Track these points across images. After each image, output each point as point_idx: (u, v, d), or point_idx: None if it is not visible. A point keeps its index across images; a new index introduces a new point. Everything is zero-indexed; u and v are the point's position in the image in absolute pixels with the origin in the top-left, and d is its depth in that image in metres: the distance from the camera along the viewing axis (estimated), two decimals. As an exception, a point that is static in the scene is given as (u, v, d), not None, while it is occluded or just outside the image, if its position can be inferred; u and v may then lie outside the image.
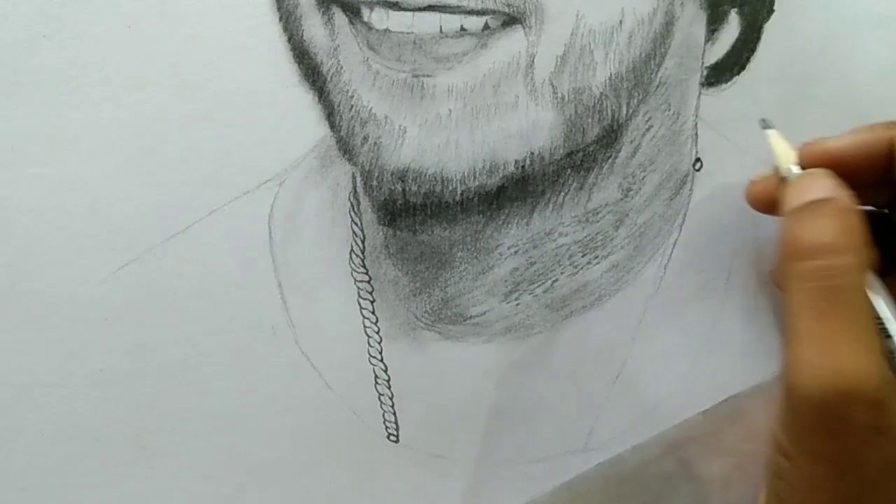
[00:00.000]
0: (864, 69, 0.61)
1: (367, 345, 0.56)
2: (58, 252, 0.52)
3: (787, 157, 0.55)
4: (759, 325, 0.61)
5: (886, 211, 0.56)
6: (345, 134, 0.54)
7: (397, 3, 0.52)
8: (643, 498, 0.61)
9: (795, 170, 0.55)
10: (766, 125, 0.57)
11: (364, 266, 0.56)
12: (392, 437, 0.57)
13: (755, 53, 0.59)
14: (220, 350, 0.54)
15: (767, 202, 0.56)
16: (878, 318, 0.50)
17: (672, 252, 0.60)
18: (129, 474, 0.54)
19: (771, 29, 0.59)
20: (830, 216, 0.50)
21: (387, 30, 0.53)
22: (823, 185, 0.52)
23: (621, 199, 0.58)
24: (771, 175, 0.56)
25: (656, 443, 0.60)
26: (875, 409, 0.46)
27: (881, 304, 0.51)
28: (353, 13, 0.53)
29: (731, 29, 0.59)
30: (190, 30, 0.52)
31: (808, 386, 0.47)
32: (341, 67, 0.54)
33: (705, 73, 0.59)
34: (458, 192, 0.55)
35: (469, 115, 0.54)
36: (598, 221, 0.58)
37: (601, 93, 0.55)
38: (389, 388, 0.57)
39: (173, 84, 0.52)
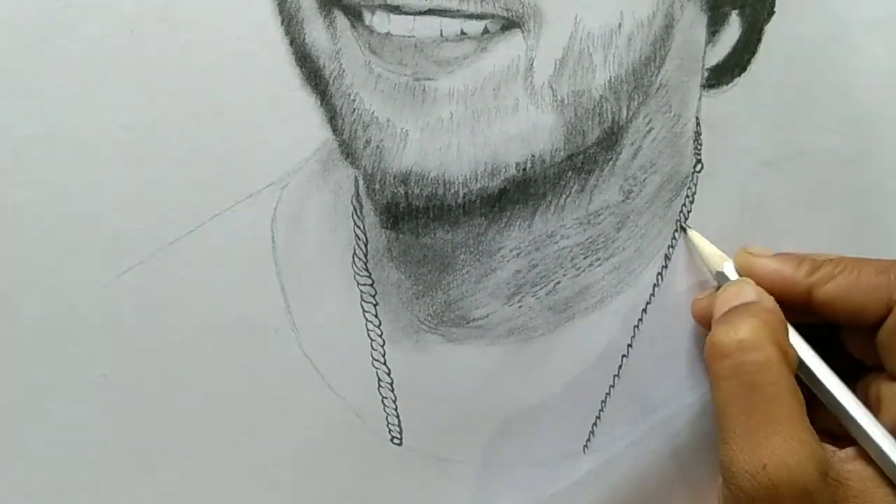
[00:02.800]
0: (865, 71, 0.61)
1: (370, 348, 0.57)
2: (61, 256, 0.53)
3: (714, 260, 0.58)
4: None
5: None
6: (347, 137, 0.54)
7: (399, 6, 0.53)
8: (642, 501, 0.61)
9: (728, 269, 0.58)
10: (685, 228, 0.60)
11: (367, 269, 0.57)
12: (395, 440, 0.57)
13: (756, 55, 0.59)
14: (224, 354, 0.55)
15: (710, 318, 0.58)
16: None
17: (673, 254, 0.60)
18: (132, 478, 0.55)
19: (772, 30, 0.59)
20: (749, 315, 0.53)
21: (388, 33, 0.53)
22: (747, 292, 0.56)
23: (622, 201, 0.58)
24: (709, 292, 0.59)
25: (655, 446, 0.61)
26: (803, 499, 0.49)
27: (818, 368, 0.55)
28: (355, 17, 0.53)
29: (732, 31, 0.59)
30: (191, 34, 0.52)
31: (739, 483, 0.50)
32: (343, 71, 0.54)
33: (706, 74, 0.59)
34: (461, 194, 0.55)
35: (470, 118, 0.54)
36: (599, 223, 0.58)
37: (601, 95, 0.55)
38: (393, 390, 0.57)
39: (175, 88, 0.53)
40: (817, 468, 0.50)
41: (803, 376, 0.54)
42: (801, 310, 0.56)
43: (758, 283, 0.56)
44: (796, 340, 0.55)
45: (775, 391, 0.51)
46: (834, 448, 0.53)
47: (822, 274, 0.56)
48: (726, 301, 0.56)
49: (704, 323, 0.59)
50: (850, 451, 0.53)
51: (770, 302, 0.55)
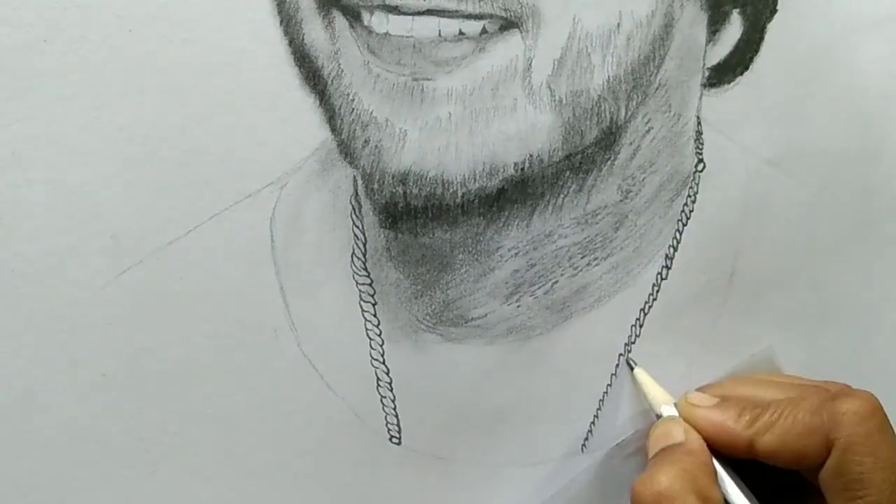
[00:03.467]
0: (868, 69, 0.61)
1: (368, 347, 0.57)
2: (60, 256, 0.53)
3: (658, 399, 0.59)
4: (761, 327, 0.61)
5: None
6: (346, 137, 0.54)
7: (397, 7, 0.53)
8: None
9: (668, 411, 0.58)
10: (632, 364, 0.60)
11: (366, 269, 0.57)
12: (394, 440, 0.58)
13: (758, 54, 0.59)
14: (223, 353, 0.55)
15: None
16: None
17: (674, 254, 0.60)
18: (132, 478, 0.55)
19: (774, 29, 0.59)
20: (670, 463, 0.54)
21: (387, 33, 0.53)
22: (675, 432, 0.56)
23: (620, 201, 0.58)
24: None
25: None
26: None
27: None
28: (354, 17, 0.53)
29: (734, 29, 0.59)
30: (190, 34, 0.52)
31: None
32: (342, 71, 0.54)
33: (707, 73, 0.59)
34: (459, 194, 0.55)
35: (468, 118, 0.54)
36: (597, 223, 0.58)
37: (599, 95, 0.55)
38: (391, 390, 0.57)
39: (174, 88, 0.52)
40: None
41: None
42: (745, 456, 0.57)
43: (701, 435, 0.57)
44: (727, 480, 0.55)
45: None
46: None
47: (761, 424, 0.56)
48: (656, 442, 0.57)
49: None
50: None
51: (695, 443, 0.56)
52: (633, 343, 0.60)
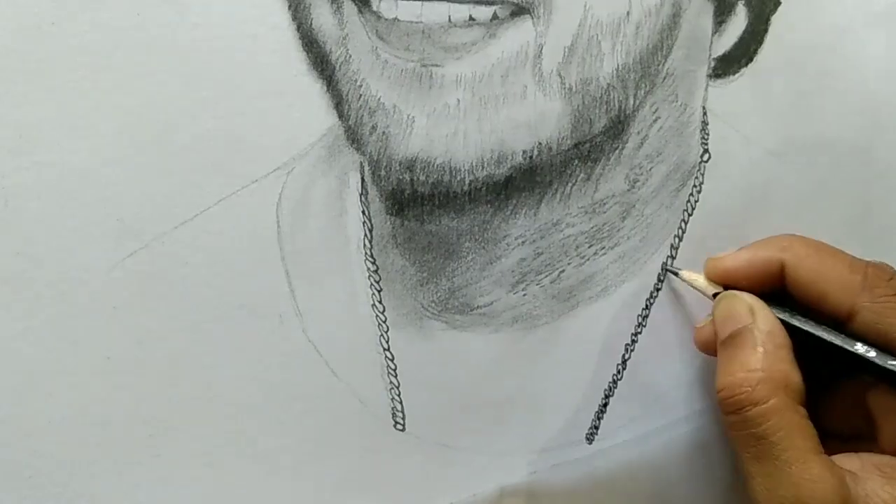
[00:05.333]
0: (872, 62, 0.61)
1: (374, 334, 0.57)
2: (66, 240, 0.53)
3: (709, 288, 0.58)
4: None
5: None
6: (353, 123, 0.54)
7: None
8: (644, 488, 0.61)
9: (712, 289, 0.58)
10: (674, 271, 0.60)
11: (371, 256, 0.57)
12: (398, 426, 0.57)
13: (763, 45, 0.59)
14: (228, 338, 0.55)
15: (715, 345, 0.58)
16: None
17: (679, 243, 0.60)
18: (136, 462, 0.55)
19: (779, 21, 0.59)
20: (748, 351, 0.54)
21: (395, 19, 0.53)
22: (740, 312, 0.56)
23: (628, 190, 0.58)
24: (707, 320, 0.58)
25: (661, 436, 0.61)
26: None
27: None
28: (362, 2, 0.54)
29: (739, 20, 0.59)
30: (198, 18, 0.52)
31: None
32: (350, 56, 0.54)
33: (713, 64, 0.59)
34: (466, 182, 0.55)
35: (477, 104, 0.54)
36: (604, 212, 0.58)
37: (608, 84, 0.55)
38: (396, 376, 0.57)
39: (181, 72, 0.52)
40: (837, 499, 0.51)
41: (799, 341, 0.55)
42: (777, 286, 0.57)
43: (736, 280, 0.57)
44: (779, 316, 0.55)
45: (782, 436, 0.52)
46: (851, 470, 0.53)
47: (795, 252, 0.57)
48: (723, 322, 0.56)
49: (709, 350, 0.58)
50: (864, 470, 0.53)
51: (765, 321, 0.55)
52: (640, 333, 0.60)
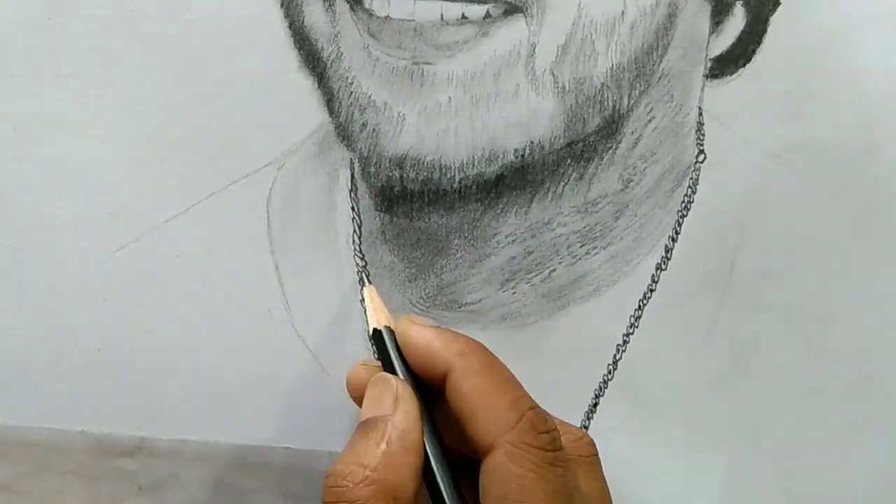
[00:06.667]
0: (872, 64, 0.60)
1: (362, 329, 0.57)
2: (58, 232, 0.54)
3: (379, 317, 0.53)
4: (761, 321, 0.60)
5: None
6: (344, 120, 0.55)
7: None
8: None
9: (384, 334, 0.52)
10: (364, 281, 0.57)
11: (361, 251, 0.57)
12: (386, 422, 0.58)
13: (761, 46, 0.58)
14: (217, 331, 0.56)
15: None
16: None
17: (673, 245, 0.59)
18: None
19: (777, 21, 0.58)
20: (373, 447, 0.48)
21: (388, 17, 0.54)
22: (384, 399, 0.49)
23: (621, 190, 0.58)
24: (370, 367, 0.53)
25: (651, 438, 0.61)
26: None
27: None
28: (355, 0, 0.54)
29: (737, 21, 0.58)
30: (191, 14, 0.53)
31: None
32: (341, 54, 0.54)
33: (710, 64, 0.58)
34: (457, 179, 0.55)
35: (469, 103, 0.54)
36: (597, 212, 0.58)
37: (602, 83, 0.55)
38: (384, 372, 0.57)
39: (174, 67, 0.53)
40: None
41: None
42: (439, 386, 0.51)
43: (409, 349, 0.51)
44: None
45: None
46: None
47: (467, 363, 0.50)
48: (368, 402, 0.50)
49: (356, 399, 0.53)
50: None
51: (404, 420, 0.48)
52: (632, 334, 0.59)
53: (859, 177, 0.60)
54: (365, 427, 0.49)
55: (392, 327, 0.52)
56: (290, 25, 0.54)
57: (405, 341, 0.51)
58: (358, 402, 0.52)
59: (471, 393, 0.49)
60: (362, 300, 0.56)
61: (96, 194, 0.54)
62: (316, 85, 0.55)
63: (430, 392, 0.50)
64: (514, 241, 0.58)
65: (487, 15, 0.54)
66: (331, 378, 0.57)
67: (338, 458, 0.48)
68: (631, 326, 0.59)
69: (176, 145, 0.54)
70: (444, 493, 0.48)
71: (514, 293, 0.58)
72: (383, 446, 0.48)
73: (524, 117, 0.55)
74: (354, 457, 0.47)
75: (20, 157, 0.53)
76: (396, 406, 0.49)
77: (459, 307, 0.58)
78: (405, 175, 0.55)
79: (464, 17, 0.53)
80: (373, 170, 0.55)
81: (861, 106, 0.60)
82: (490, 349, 0.56)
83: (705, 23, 0.58)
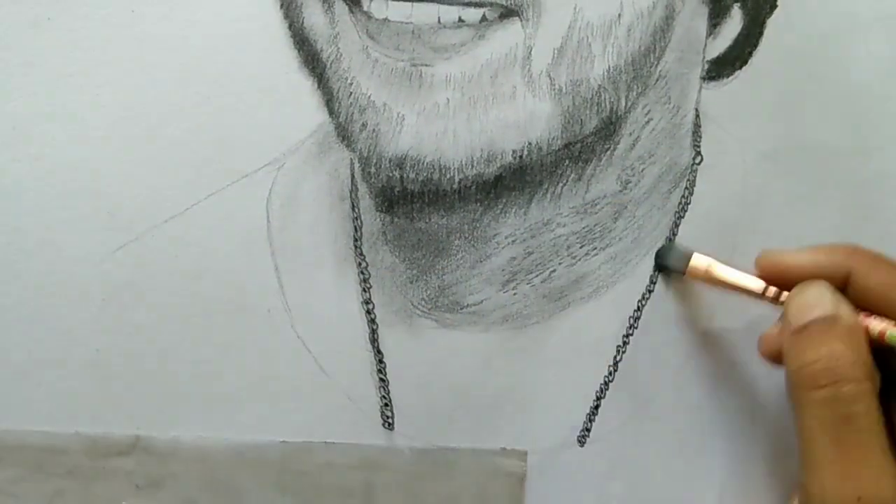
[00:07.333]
0: (866, 66, 0.61)
1: (363, 331, 0.57)
2: (57, 232, 0.54)
3: (753, 282, 0.56)
4: (758, 321, 0.60)
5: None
6: (343, 120, 0.55)
7: None
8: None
9: (772, 290, 0.55)
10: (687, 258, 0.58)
11: (361, 252, 0.57)
12: (387, 424, 0.58)
13: (758, 48, 0.59)
14: (216, 331, 0.56)
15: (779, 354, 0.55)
16: None
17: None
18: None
19: (774, 24, 0.59)
20: (838, 338, 0.51)
21: (386, 19, 0.54)
22: (825, 301, 0.53)
23: (620, 191, 0.59)
24: (778, 326, 0.56)
25: (654, 438, 0.61)
26: None
27: None
28: (353, 2, 0.55)
29: (734, 23, 0.59)
30: (192, 15, 0.54)
31: None
32: (341, 55, 0.55)
33: (706, 66, 0.59)
34: (456, 180, 0.56)
35: (467, 104, 0.55)
36: (596, 213, 0.58)
37: (599, 85, 0.56)
38: (385, 374, 0.57)
39: (174, 68, 0.54)
40: None
41: None
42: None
43: (793, 279, 0.54)
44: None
45: (869, 423, 0.50)
46: None
47: (861, 260, 0.54)
48: (801, 310, 0.53)
49: (773, 357, 0.56)
50: None
51: (851, 315, 0.52)
52: (631, 335, 0.60)
53: (853, 177, 0.61)
54: (819, 323, 0.52)
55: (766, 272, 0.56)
56: (290, 26, 0.55)
57: (790, 272, 0.55)
58: (770, 357, 0.56)
59: (880, 287, 0.53)
60: (365, 302, 0.57)
61: (95, 194, 0.54)
62: (315, 85, 0.55)
63: None
64: (513, 241, 0.58)
65: (484, 18, 0.54)
66: (331, 380, 0.57)
67: (809, 350, 0.51)
68: (630, 327, 0.60)
69: (175, 145, 0.54)
70: None
71: (514, 294, 0.58)
72: (849, 336, 0.51)
73: (521, 119, 0.55)
74: (828, 347, 0.51)
75: (19, 157, 0.53)
76: (838, 305, 0.52)
77: (461, 309, 0.58)
78: (405, 175, 0.55)
79: (460, 20, 0.54)
80: (373, 170, 0.56)
81: (853, 108, 0.61)
82: (493, 351, 0.58)
83: (702, 25, 0.59)
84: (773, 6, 0.59)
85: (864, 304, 0.53)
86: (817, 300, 0.53)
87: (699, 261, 0.57)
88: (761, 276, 0.56)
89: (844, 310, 0.52)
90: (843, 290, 0.54)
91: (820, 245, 0.56)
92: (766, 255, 0.56)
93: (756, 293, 0.56)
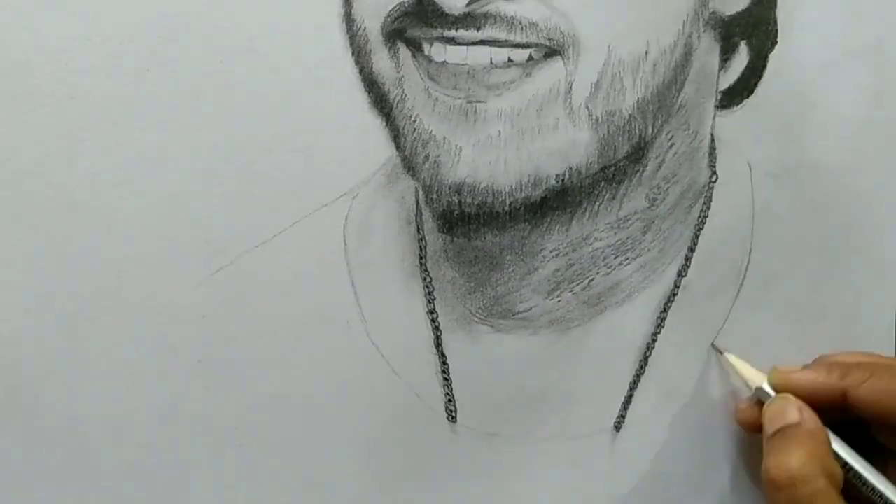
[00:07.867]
0: (854, 92, 0.66)
1: (429, 337, 0.62)
2: (160, 258, 0.58)
3: (753, 378, 0.63)
4: (766, 319, 0.66)
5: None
6: (408, 153, 0.60)
7: (454, 38, 0.58)
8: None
9: (767, 387, 0.63)
10: (719, 350, 0.65)
11: (426, 268, 0.62)
12: (451, 418, 0.63)
13: (762, 79, 0.64)
14: (302, 342, 0.60)
15: (756, 425, 0.63)
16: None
17: (692, 254, 0.65)
18: (225, 455, 0.60)
19: (776, 58, 0.64)
20: (796, 444, 0.58)
21: (444, 62, 0.58)
22: (790, 412, 0.60)
23: (648, 208, 0.63)
24: (752, 399, 0.64)
25: (681, 425, 0.66)
26: None
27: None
28: (416, 48, 0.59)
29: (741, 58, 0.64)
30: (275, 63, 0.58)
31: None
32: (405, 95, 0.59)
33: (719, 96, 0.64)
34: (507, 202, 0.60)
35: (516, 135, 0.59)
36: (628, 227, 0.63)
37: (630, 115, 0.60)
38: (448, 374, 0.62)
39: (260, 111, 0.58)
40: None
41: (850, 476, 0.59)
42: (837, 410, 0.61)
43: (796, 395, 0.61)
44: (839, 447, 0.60)
45: None
46: None
47: (854, 378, 0.60)
48: (772, 419, 0.61)
49: (748, 429, 0.64)
50: None
51: (812, 422, 0.60)
52: (659, 333, 0.65)
53: (847, 190, 0.67)
54: (784, 431, 0.59)
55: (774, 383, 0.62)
56: (361, 72, 0.59)
57: (787, 387, 0.62)
58: (748, 427, 0.64)
59: (873, 396, 0.60)
60: (430, 311, 0.63)
61: (194, 224, 0.58)
62: (384, 123, 0.59)
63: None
64: (557, 255, 0.62)
65: (530, 58, 0.58)
66: (402, 381, 0.61)
67: (772, 458, 0.58)
68: (658, 326, 0.65)
69: (263, 179, 0.58)
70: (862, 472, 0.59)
71: (559, 301, 0.63)
72: (808, 441, 0.58)
73: (564, 147, 0.60)
74: (785, 454, 0.58)
75: (127, 194, 0.57)
76: (801, 414, 0.60)
77: (513, 315, 0.63)
78: (463, 200, 0.60)
79: (510, 60, 0.58)
80: (435, 196, 0.60)
81: (847, 129, 0.66)
82: (541, 351, 0.63)
83: (715, 60, 0.63)
84: (775, 42, 0.64)
85: (863, 414, 0.61)
86: (784, 411, 0.61)
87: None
88: (773, 388, 0.62)
89: (807, 416, 0.60)
90: (842, 403, 0.61)
91: (819, 362, 0.63)
92: (777, 373, 0.63)
93: (750, 388, 0.63)
